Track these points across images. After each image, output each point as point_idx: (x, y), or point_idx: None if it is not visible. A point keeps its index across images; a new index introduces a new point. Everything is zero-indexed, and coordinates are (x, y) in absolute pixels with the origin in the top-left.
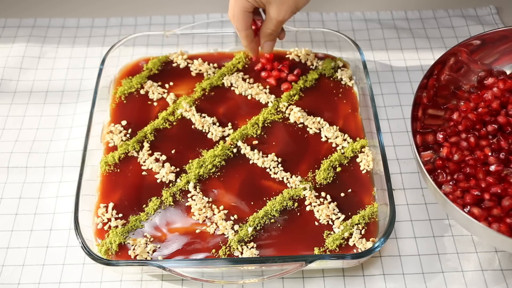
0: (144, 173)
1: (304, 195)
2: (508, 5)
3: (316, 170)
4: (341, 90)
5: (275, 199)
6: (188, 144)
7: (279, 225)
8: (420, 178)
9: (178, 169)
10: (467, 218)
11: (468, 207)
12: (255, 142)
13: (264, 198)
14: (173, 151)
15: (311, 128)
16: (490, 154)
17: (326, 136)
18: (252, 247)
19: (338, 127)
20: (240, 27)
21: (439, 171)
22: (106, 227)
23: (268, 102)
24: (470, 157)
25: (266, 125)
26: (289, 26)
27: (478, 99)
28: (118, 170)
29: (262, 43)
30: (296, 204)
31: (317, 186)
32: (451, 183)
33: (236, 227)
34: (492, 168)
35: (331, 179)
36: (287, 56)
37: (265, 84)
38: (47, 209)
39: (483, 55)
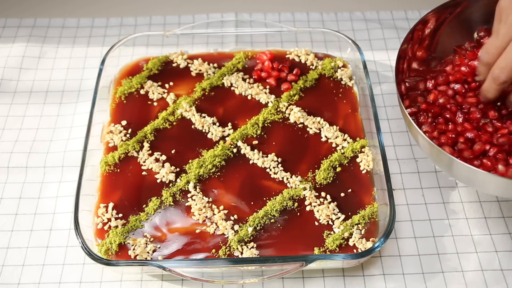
0: (144, 173)
1: (304, 195)
2: None
3: (316, 170)
4: (341, 90)
5: (275, 199)
6: (188, 144)
7: (279, 225)
8: (420, 177)
9: (178, 169)
10: (440, 151)
11: (442, 146)
12: (255, 142)
13: (264, 198)
14: (173, 151)
15: (311, 128)
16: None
17: (326, 136)
18: (252, 247)
19: (338, 127)
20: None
21: (421, 113)
22: (106, 227)
23: (268, 102)
24: (453, 102)
25: (266, 125)
26: (289, 26)
27: (473, 56)
28: (118, 170)
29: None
30: (296, 204)
31: (317, 186)
32: (432, 125)
33: (236, 227)
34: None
35: (331, 179)
36: (287, 56)
37: (265, 84)
38: (47, 209)
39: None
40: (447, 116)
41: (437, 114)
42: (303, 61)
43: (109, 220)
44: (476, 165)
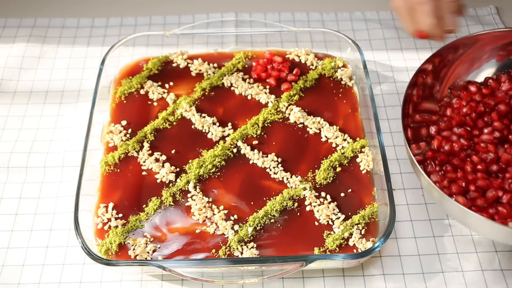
0: (144, 173)
1: (304, 195)
2: (508, 5)
3: (316, 170)
4: (341, 90)
5: (275, 199)
6: (188, 144)
7: (279, 225)
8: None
9: (178, 169)
10: (453, 204)
11: (454, 196)
12: (255, 142)
13: (264, 198)
14: (173, 151)
15: (311, 128)
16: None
17: (326, 136)
18: (252, 247)
19: (338, 127)
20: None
21: (428, 161)
22: (106, 227)
23: (268, 102)
24: (459, 148)
25: (266, 125)
26: (289, 26)
27: (469, 96)
28: (118, 170)
29: (445, 16)
30: (296, 204)
31: (317, 186)
32: (440, 173)
33: (236, 227)
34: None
35: (331, 179)
36: (287, 56)
37: (265, 84)
38: (47, 209)
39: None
40: (455, 163)
41: (444, 162)
42: (303, 61)
43: (109, 220)
44: (491, 214)
